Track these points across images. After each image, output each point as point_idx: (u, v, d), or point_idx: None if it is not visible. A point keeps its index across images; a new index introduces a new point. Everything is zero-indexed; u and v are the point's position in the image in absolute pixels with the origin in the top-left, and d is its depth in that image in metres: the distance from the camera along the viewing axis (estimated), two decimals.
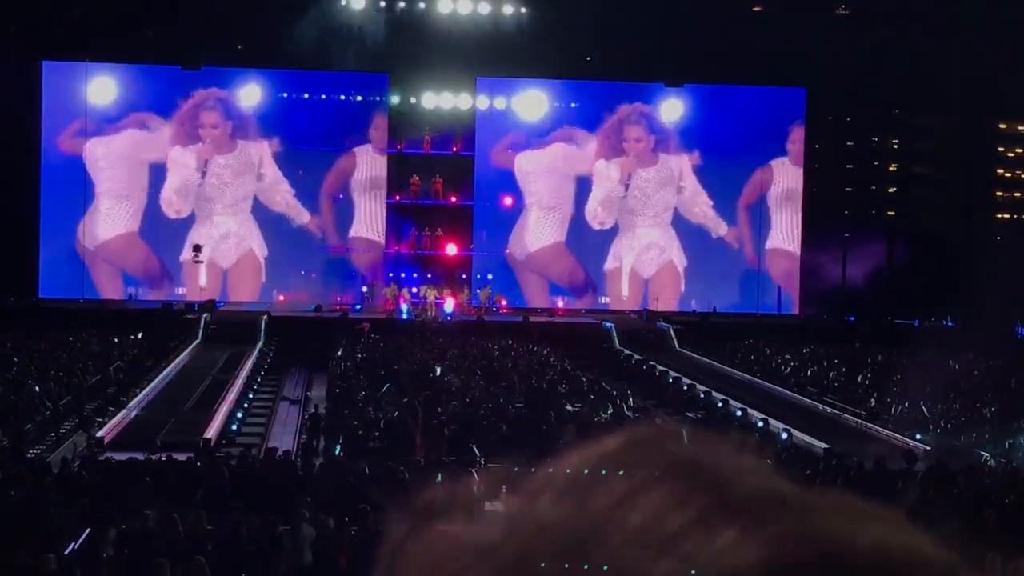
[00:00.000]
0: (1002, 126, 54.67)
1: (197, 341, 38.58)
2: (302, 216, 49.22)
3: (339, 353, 34.17)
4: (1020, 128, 54.97)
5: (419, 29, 49.08)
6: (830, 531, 0.84)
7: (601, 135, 50.22)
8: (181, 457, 19.56)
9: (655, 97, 50.49)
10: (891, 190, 53.80)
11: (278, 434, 26.57)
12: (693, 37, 48.31)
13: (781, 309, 50.54)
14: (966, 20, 47.95)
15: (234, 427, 25.72)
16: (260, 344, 38.10)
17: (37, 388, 25.91)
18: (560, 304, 49.33)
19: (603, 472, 0.91)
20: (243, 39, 49.22)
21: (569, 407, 25.18)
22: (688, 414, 27.48)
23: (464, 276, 49.57)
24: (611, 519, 0.86)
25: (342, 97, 49.31)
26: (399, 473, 18.33)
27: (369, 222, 49.47)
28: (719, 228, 50.64)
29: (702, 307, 48.74)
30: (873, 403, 28.49)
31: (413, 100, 49.82)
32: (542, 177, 50.03)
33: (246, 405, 28.27)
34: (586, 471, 0.92)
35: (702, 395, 30.10)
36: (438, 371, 29.82)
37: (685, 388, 31.49)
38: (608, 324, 43.24)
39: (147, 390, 29.17)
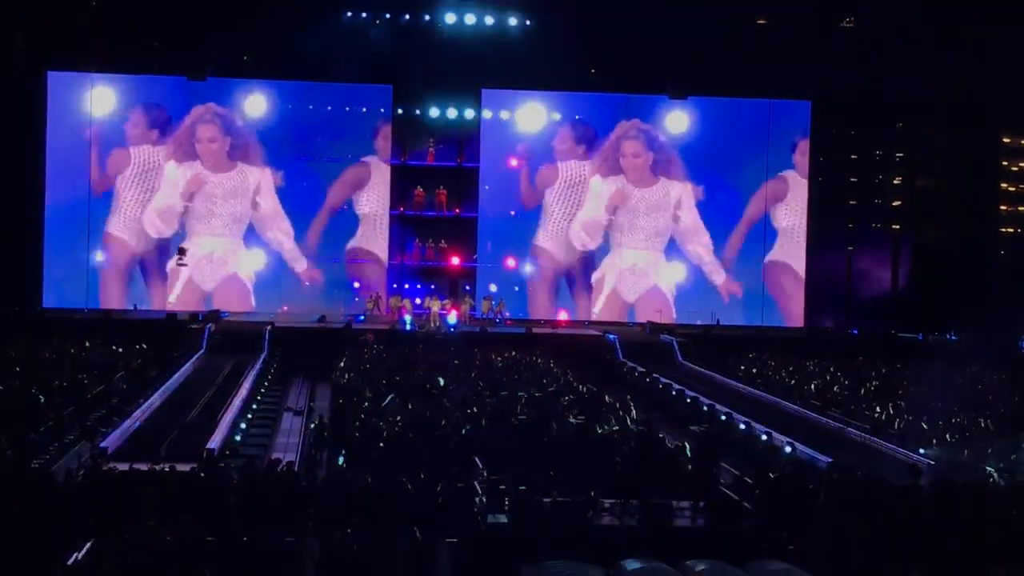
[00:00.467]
0: (1006, 140, 54.66)
1: (201, 351, 38.59)
2: (299, 263, 49.14)
3: (342, 364, 34.14)
4: None
5: (424, 40, 49.18)
6: None
7: (600, 150, 50.18)
8: (185, 468, 19.54)
9: (659, 109, 50.48)
10: (895, 203, 53.77)
11: (282, 445, 26.56)
12: (697, 50, 48.39)
13: (784, 322, 50.52)
14: (971, 34, 47.98)
15: (238, 438, 25.70)
16: (264, 354, 38.11)
17: (41, 398, 25.89)
18: (563, 316, 49.33)
19: None
20: (248, 50, 49.32)
21: (572, 419, 25.13)
22: (691, 427, 27.40)
23: (468, 287, 49.62)
24: None
25: (347, 108, 49.33)
26: (402, 486, 18.31)
27: (372, 233, 49.46)
28: (715, 275, 50.54)
29: (704, 319, 48.74)
30: (877, 416, 28.42)
31: (417, 111, 49.89)
32: (546, 189, 50.08)
33: (250, 416, 28.25)
34: None
35: (705, 408, 30.05)
36: (441, 382, 29.80)
37: (688, 401, 31.45)
38: (611, 336, 43.23)
39: (151, 400, 29.14)
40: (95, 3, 47.66)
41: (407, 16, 49.30)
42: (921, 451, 24.37)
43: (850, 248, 52.84)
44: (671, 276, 50.43)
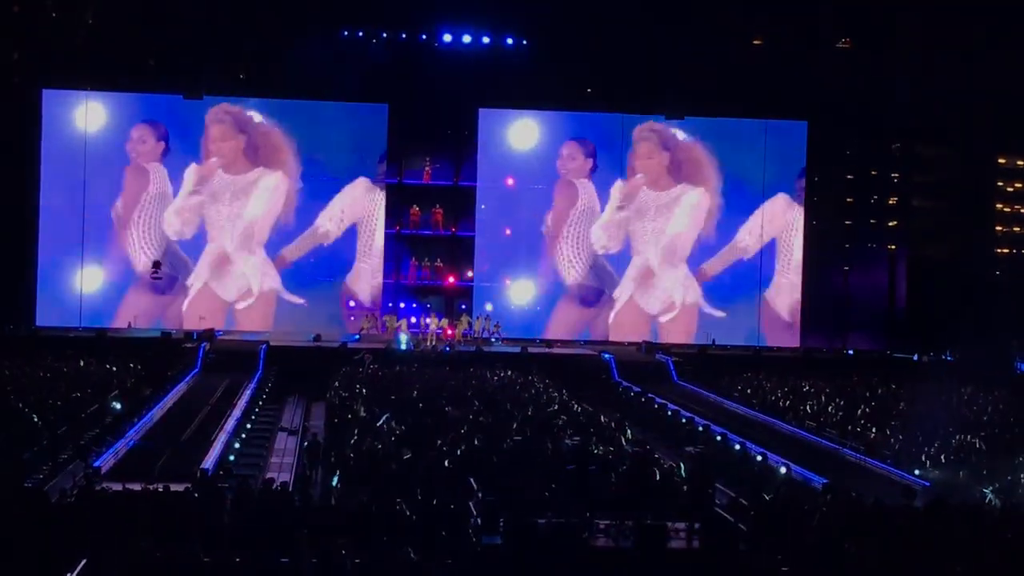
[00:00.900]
0: (1001, 160, 54.76)
1: (196, 370, 38.54)
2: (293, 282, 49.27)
3: (337, 383, 34.11)
4: (1019, 163, 55.06)
5: (420, 59, 49.25)
6: None
7: (606, 159, 50.25)
8: (179, 487, 19.49)
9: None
10: (891, 223, 53.84)
11: (276, 464, 26.49)
12: (694, 70, 48.47)
13: (779, 342, 50.53)
14: (966, 55, 48.13)
15: (232, 457, 25.64)
16: (259, 373, 38.06)
17: (35, 417, 25.83)
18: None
19: None
20: (245, 68, 49.37)
21: (567, 440, 25.09)
22: (687, 448, 27.37)
23: (464, 306, 49.62)
24: None
25: (343, 127, 49.30)
26: (397, 506, 18.26)
27: (368, 252, 49.45)
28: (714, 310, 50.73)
29: (700, 339, 48.84)
30: (872, 437, 28.40)
31: (414, 130, 49.86)
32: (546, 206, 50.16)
33: (244, 435, 28.19)
34: None
35: (700, 429, 30.01)
36: (447, 410, 29.76)
37: (684, 421, 31.41)
38: (607, 355, 43.24)
39: (145, 419, 29.09)
40: (91, 22, 47.68)
41: (404, 35, 49.41)
42: (916, 472, 24.34)
43: (846, 268, 52.91)
44: (691, 293, 50.45)
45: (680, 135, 50.36)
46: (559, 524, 17.59)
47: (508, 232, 49.99)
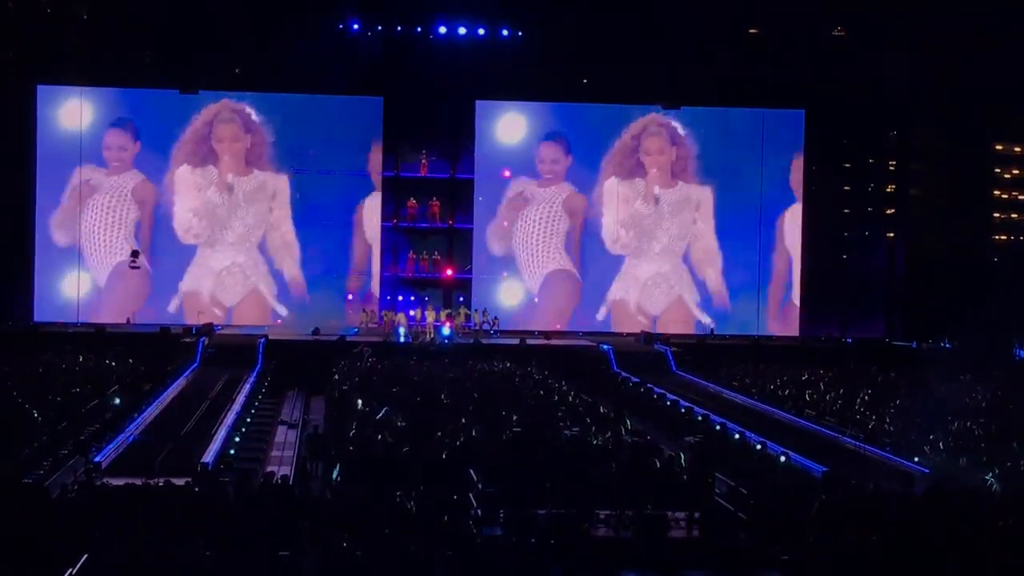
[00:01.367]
0: (999, 147, 54.75)
1: (195, 365, 38.55)
2: (293, 277, 49.17)
3: (336, 376, 34.12)
4: (1016, 149, 55.06)
5: (416, 52, 49.17)
6: None
7: (613, 155, 50.18)
8: (179, 482, 19.49)
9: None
10: (889, 211, 53.85)
11: (276, 458, 26.52)
12: (690, 60, 48.43)
13: (778, 331, 50.54)
14: (962, 42, 48.10)
15: (232, 451, 25.65)
16: (258, 367, 38.07)
17: (35, 413, 25.84)
18: (557, 326, 49.27)
19: None
20: (240, 63, 49.29)
21: (566, 431, 25.12)
22: (686, 438, 27.40)
23: (462, 299, 49.61)
24: None
25: (339, 120, 49.25)
26: (397, 498, 18.28)
27: (365, 245, 49.42)
28: (717, 287, 50.69)
29: (700, 330, 48.91)
30: (871, 425, 28.43)
31: (410, 123, 49.77)
32: (543, 203, 50.06)
33: (244, 429, 28.20)
34: None
35: (700, 418, 30.03)
36: (444, 399, 29.78)
37: (683, 411, 31.43)
38: (605, 346, 43.24)
39: (145, 414, 29.10)
40: (86, 17, 47.63)
41: (399, 28, 49.32)
42: (915, 459, 24.37)
43: (844, 256, 52.91)
44: (690, 287, 50.47)
45: (679, 128, 50.27)
46: (559, 515, 17.62)
47: (505, 224, 49.92)
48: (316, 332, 44.44)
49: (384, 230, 49.61)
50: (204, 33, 46.84)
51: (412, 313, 47.04)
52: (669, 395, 33.89)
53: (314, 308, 48.13)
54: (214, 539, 15.88)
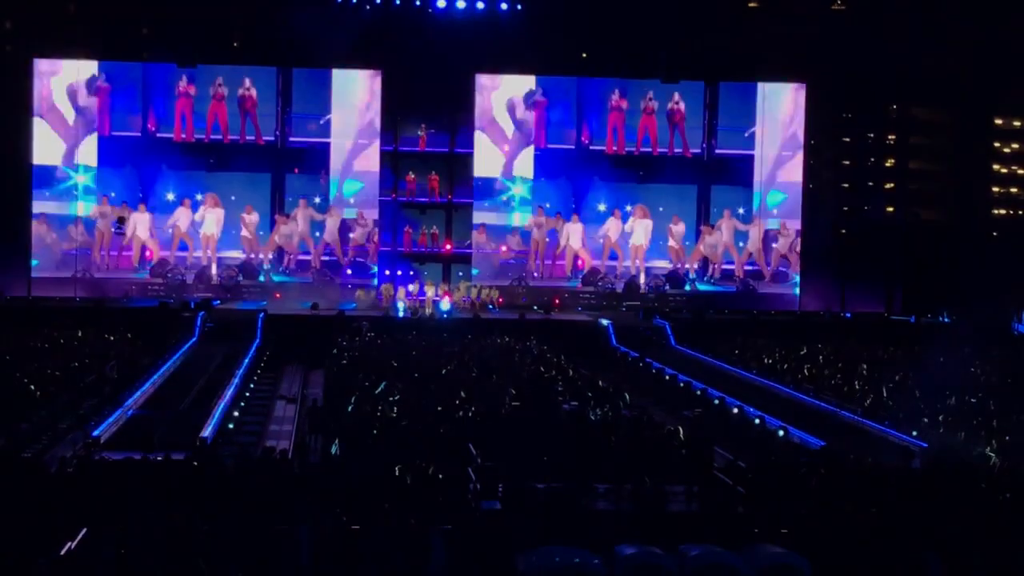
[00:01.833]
0: (998, 122, 54.68)
1: (194, 339, 38.52)
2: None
3: (335, 351, 34.12)
4: (1016, 124, 54.99)
5: (415, 25, 48.96)
6: None
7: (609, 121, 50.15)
8: (178, 456, 19.50)
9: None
10: (888, 186, 53.80)
11: (275, 432, 26.54)
12: (690, 33, 48.29)
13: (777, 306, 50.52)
14: (962, 16, 47.99)
15: (231, 426, 25.67)
16: (257, 342, 38.06)
17: (33, 387, 25.85)
18: (556, 300, 49.19)
19: None
20: (238, 36, 49.12)
21: (566, 405, 25.13)
22: (685, 412, 27.42)
23: (461, 274, 49.56)
24: None
25: (338, 94, 49.11)
26: (396, 471, 18.30)
27: (364, 220, 49.31)
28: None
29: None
30: (870, 399, 28.45)
31: (409, 97, 49.59)
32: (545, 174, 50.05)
33: (243, 403, 28.22)
34: None
35: (698, 393, 30.06)
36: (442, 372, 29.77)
37: (682, 385, 31.45)
38: (604, 321, 43.22)
39: (144, 389, 29.09)
40: None
41: (397, 1, 49.08)
42: (914, 433, 24.39)
43: (843, 231, 52.87)
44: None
45: (679, 102, 50.14)
46: (558, 488, 17.63)
47: (505, 199, 49.85)
48: (315, 307, 44.39)
49: (383, 204, 49.49)
50: (201, 6, 46.65)
51: (411, 288, 46.96)
52: (668, 369, 33.92)
53: (312, 284, 48.23)
54: (213, 513, 15.89)
